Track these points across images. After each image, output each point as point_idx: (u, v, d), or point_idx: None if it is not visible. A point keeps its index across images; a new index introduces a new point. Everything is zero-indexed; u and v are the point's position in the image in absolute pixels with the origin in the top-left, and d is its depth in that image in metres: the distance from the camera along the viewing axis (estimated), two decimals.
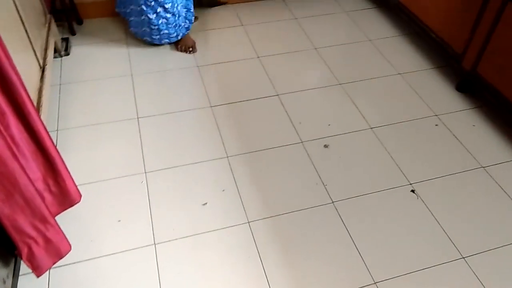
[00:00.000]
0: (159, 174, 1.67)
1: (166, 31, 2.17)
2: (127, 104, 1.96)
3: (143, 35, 2.24)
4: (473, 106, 2.01)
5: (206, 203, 1.58)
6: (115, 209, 1.55)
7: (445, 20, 2.10)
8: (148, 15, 2.09)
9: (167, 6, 2.07)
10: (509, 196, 1.63)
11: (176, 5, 2.12)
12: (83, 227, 1.49)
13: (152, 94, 2.02)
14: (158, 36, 2.20)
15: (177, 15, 2.15)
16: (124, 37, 2.36)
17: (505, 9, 1.74)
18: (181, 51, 2.28)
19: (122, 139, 1.80)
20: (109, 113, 1.91)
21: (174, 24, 2.16)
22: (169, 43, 2.29)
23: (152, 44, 2.28)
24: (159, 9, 2.08)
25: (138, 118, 1.89)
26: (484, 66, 1.90)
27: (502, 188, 1.66)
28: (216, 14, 2.59)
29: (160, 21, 2.12)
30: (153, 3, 2.06)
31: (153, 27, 2.14)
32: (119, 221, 1.51)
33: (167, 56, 2.25)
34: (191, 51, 2.27)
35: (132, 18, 2.21)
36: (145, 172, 1.67)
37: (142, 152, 1.75)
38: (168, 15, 2.10)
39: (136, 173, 1.66)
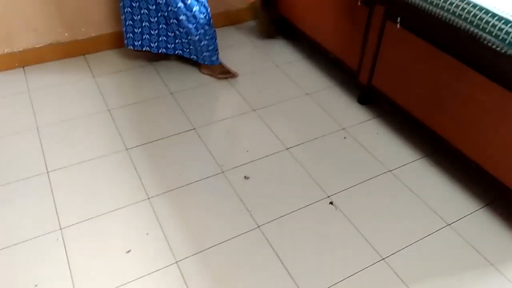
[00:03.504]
0: (76, 228, 1.59)
1: (185, 41, 2.23)
2: (34, 159, 1.85)
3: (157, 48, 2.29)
4: (374, 116, 2.18)
5: (130, 250, 1.53)
6: (30, 273, 1.44)
7: (339, 42, 2.29)
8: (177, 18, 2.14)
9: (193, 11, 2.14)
10: (415, 194, 1.78)
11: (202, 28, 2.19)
12: None
13: (62, 144, 1.94)
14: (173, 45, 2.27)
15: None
16: (26, 89, 2.25)
17: (385, 26, 1.94)
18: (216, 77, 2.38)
19: (31, 197, 1.69)
20: (15, 172, 1.79)
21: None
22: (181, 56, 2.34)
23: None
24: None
25: (48, 172, 1.80)
26: (377, 78, 2.09)
27: (407, 187, 1.81)
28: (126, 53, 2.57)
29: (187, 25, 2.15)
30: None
31: (180, 30, 2.18)
32: (36, 285, 1.41)
33: (74, 104, 2.17)
34: (228, 77, 2.38)
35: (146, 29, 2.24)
36: (61, 229, 1.58)
37: (56, 207, 1.65)
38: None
39: (50, 231, 1.57)
